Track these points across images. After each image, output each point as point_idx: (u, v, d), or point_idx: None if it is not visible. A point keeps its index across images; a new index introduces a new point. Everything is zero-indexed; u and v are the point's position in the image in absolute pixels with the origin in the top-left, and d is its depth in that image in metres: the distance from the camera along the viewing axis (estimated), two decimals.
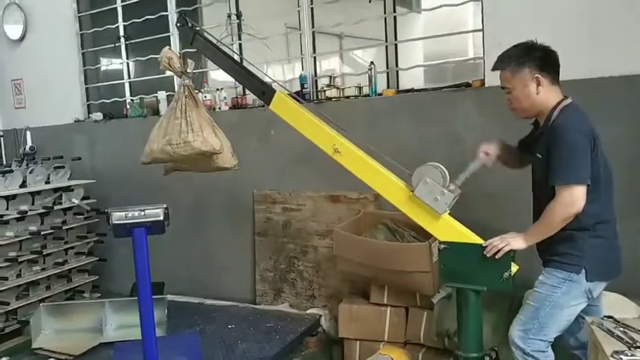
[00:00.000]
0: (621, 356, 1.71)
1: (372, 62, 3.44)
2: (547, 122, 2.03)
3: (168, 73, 2.94)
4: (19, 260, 3.74)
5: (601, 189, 2.00)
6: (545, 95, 2.04)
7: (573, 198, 1.91)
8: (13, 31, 4.94)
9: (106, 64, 4.92)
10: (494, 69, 2.14)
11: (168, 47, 2.90)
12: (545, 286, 2.03)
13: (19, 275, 3.79)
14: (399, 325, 2.91)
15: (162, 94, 4.22)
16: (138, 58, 4.57)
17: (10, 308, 3.68)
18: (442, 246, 2.16)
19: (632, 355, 1.71)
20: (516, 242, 2.02)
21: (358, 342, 3.01)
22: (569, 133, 1.94)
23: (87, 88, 4.83)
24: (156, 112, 4.24)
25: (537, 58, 2.04)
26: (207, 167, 2.98)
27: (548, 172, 1.98)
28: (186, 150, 2.79)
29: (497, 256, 2.03)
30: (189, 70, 2.83)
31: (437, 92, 3.20)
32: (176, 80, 3.80)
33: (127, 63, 4.64)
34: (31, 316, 3.43)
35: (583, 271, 1.98)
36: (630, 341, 1.79)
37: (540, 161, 2.04)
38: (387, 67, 3.55)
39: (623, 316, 2.05)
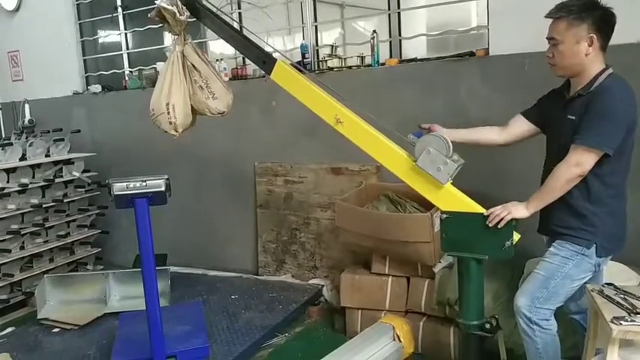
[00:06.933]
0: (621, 322, 1.73)
1: (374, 31, 3.37)
2: (589, 85, 1.95)
3: (168, 42, 2.84)
4: (22, 233, 3.76)
5: (624, 163, 1.99)
6: (592, 58, 1.94)
7: (582, 159, 1.89)
8: (8, 1, 4.84)
9: (104, 35, 4.84)
10: (548, 15, 1.98)
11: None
12: (557, 257, 2.02)
13: (22, 247, 3.82)
14: (401, 294, 2.93)
15: (160, 65, 4.15)
16: (136, 29, 4.49)
17: (14, 280, 3.72)
18: (444, 215, 2.15)
19: (631, 321, 1.73)
20: (518, 211, 2.01)
21: (360, 311, 3.05)
22: (612, 101, 1.88)
23: (85, 60, 4.78)
24: (155, 83, 4.18)
25: (597, 17, 1.90)
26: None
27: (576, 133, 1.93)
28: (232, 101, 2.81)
29: (499, 225, 2.02)
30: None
31: (440, 62, 3.16)
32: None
33: (125, 34, 4.57)
34: (35, 287, 3.47)
35: (594, 246, 1.98)
36: (630, 307, 1.81)
37: (572, 123, 1.97)
38: (390, 37, 3.49)
39: (625, 284, 2.07)
